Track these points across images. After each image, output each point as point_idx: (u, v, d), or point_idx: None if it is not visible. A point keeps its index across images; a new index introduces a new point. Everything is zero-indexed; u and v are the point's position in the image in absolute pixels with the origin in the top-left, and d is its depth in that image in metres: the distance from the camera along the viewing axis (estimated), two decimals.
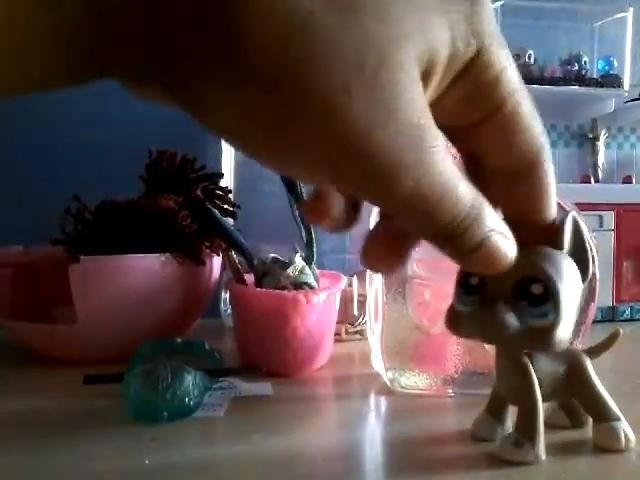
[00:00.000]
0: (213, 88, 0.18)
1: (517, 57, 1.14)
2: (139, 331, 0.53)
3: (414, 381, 0.45)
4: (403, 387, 0.46)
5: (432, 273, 0.44)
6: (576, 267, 0.29)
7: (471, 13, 0.20)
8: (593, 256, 0.43)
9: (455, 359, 0.44)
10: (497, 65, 0.21)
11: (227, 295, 0.68)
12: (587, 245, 0.29)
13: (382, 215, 0.25)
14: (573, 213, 0.28)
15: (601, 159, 1.23)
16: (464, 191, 0.21)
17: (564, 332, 0.28)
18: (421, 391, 0.45)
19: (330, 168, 0.20)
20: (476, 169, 0.26)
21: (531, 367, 0.34)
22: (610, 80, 1.15)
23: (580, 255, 0.29)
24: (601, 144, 1.22)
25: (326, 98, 0.18)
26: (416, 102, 0.19)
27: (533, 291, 0.27)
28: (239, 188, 0.76)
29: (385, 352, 0.46)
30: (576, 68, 1.16)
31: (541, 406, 0.34)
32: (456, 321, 0.30)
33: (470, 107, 0.22)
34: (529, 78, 1.13)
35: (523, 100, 0.23)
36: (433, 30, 0.19)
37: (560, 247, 0.28)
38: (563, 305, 0.27)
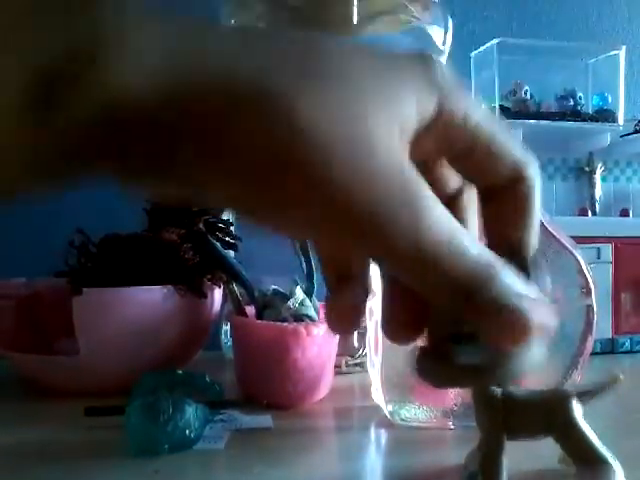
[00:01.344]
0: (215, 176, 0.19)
1: (514, 92, 1.17)
2: (140, 363, 0.53)
3: (414, 413, 0.45)
4: (403, 419, 0.46)
5: None
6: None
7: (425, 71, 0.22)
8: (589, 286, 0.44)
9: (455, 391, 0.45)
10: (460, 105, 0.23)
11: (228, 327, 0.68)
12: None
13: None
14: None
15: (598, 192, 1.24)
16: (472, 251, 0.21)
17: (518, 364, 0.26)
18: (421, 423, 0.45)
19: (327, 228, 0.20)
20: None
21: (497, 399, 0.32)
22: (605, 115, 1.17)
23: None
24: (598, 177, 1.24)
25: (307, 159, 0.19)
26: (397, 153, 0.20)
27: (465, 329, 0.25)
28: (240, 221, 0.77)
29: (385, 384, 0.46)
30: (571, 103, 1.18)
31: (502, 440, 0.31)
32: None
33: (446, 147, 0.24)
34: (526, 113, 1.15)
35: (495, 130, 0.24)
36: (402, 100, 0.21)
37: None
38: None
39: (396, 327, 0.26)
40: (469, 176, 0.26)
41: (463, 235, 0.21)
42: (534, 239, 0.27)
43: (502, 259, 0.24)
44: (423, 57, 0.23)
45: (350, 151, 0.19)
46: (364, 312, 0.26)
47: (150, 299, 0.56)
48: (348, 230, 0.20)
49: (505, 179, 0.25)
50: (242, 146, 0.19)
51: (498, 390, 0.32)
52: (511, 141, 0.25)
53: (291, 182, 0.19)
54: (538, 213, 0.26)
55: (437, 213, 0.21)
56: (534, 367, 0.26)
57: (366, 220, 0.20)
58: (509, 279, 0.22)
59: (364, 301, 0.26)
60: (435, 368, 0.27)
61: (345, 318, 0.26)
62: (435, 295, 0.22)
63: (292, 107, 0.19)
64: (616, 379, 0.34)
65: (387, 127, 0.20)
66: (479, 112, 0.24)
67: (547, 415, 0.33)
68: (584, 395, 0.34)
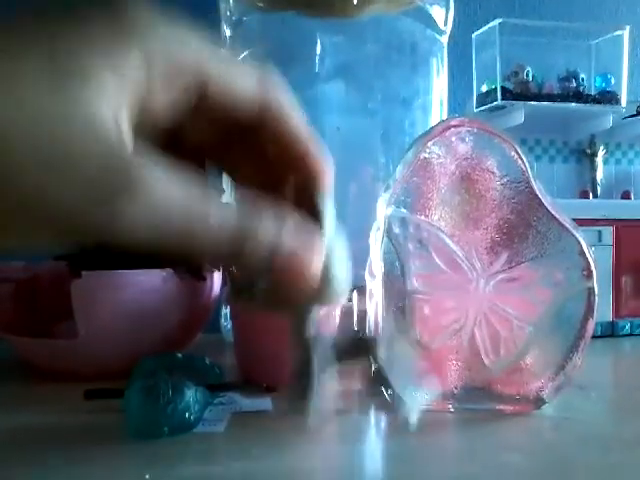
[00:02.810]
0: None
1: (515, 74, 1.16)
2: (140, 346, 0.53)
3: (415, 395, 0.45)
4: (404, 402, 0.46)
5: (432, 288, 0.44)
6: None
7: (115, 24, 0.19)
8: (590, 269, 0.43)
9: (454, 374, 0.45)
10: (182, 55, 0.21)
11: (227, 310, 0.68)
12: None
13: None
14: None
15: (599, 175, 1.24)
16: (218, 210, 0.20)
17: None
18: (422, 406, 0.45)
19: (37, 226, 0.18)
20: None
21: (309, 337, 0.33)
22: (607, 97, 1.16)
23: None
24: (599, 160, 1.23)
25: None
26: (100, 129, 0.18)
27: None
28: None
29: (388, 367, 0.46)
30: (574, 85, 1.17)
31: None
32: None
33: (177, 99, 0.21)
34: (527, 94, 1.14)
35: (223, 61, 0.22)
36: (93, 66, 0.18)
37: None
38: None
39: None
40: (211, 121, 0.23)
41: (205, 204, 0.20)
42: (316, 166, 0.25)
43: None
44: (115, 8, 0.19)
45: (34, 144, 0.16)
46: None
47: (149, 282, 0.55)
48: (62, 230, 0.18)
49: (250, 113, 0.23)
50: None
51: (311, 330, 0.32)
52: (243, 66, 0.23)
53: None
54: (305, 137, 0.24)
55: (163, 191, 0.19)
56: (342, 289, 0.27)
57: (78, 217, 0.18)
58: (270, 229, 0.21)
59: None
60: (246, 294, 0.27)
61: None
62: (209, 261, 0.22)
63: None
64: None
65: (79, 104, 0.17)
66: (206, 51, 0.21)
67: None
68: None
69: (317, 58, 0.65)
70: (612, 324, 0.74)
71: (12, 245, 0.19)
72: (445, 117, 0.71)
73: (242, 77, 0.22)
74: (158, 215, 0.19)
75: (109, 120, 0.18)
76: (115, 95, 0.18)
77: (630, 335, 0.74)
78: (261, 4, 0.66)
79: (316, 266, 0.22)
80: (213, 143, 0.25)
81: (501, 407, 0.44)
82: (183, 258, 0.22)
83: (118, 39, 0.19)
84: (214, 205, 0.20)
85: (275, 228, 0.21)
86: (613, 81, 1.18)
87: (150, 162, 0.19)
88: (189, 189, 0.19)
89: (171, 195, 0.19)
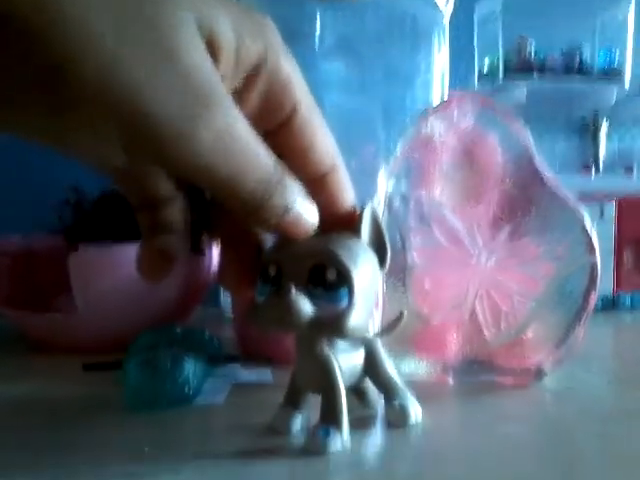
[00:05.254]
0: None
1: (518, 48, 1.14)
2: (139, 319, 0.53)
3: (414, 368, 0.45)
4: (402, 374, 0.45)
5: (433, 263, 0.44)
6: (373, 255, 0.30)
7: (255, 19, 0.22)
8: (592, 244, 0.43)
9: (455, 348, 0.44)
10: (286, 67, 0.23)
11: None
12: (384, 234, 0.31)
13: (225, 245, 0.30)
14: (372, 204, 0.30)
15: (602, 150, 1.23)
16: (265, 154, 0.22)
17: (358, 319, 0.29)
18: (421, 378, 0.45)
19: (113, 130, 0.19)
20: None
21: (333, 357, 0.33)
22: (611, 72, 1.15)
23: (378, 244, 0.31)
24: (602, 135, 1.22)
25: (97, 51, 0.17)
26: (198, 58, 0.19)
27: (328, 276, 0.28)
28: None
29: (385, 339, 0.45)
30: (577, 60, 1.15)
31: (345, 394, 0.33)
32: (253, 313, 0.30)
33: (271, 106, 0.24)
34: (530, 69, 1.12)
35: (313, 107, 0.25)
36: (215, 13, 0.20)
37: (358, 235, 0.29)
38: (357, 291, 0.28)
39: (231, 275, 0.29)
40: (282, 157, 0.25)
41: (258, 141, 0.22)
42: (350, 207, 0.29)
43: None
44: (262, 14, 0.23)
45: (142, 52, 0.18)
46: (174, 259, 0.28)
47: None
48: (142, 137, 0.19)
49: (319, 165, 0.26)
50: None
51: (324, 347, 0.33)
52: (325, 125, 0.26)
53: (68, 81, 0.18)
54: (350, 189, 0.29)
55: (238, 128, 0.21)
56: (361, 327, 0.30)
57: (163, 123, 0.19)
58: (292, 185, 0.24)
59: (175, 247, 0.28)
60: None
61: (154, 264, 0.28)
62: (231, 206, 0.23)
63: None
64: (402, 315, 0.38)
65: (190, 25, 0.19)
66: (303, 82, 0.24)
67: (364, 362, 0.36)
68: (382, 332, 0.38)
69: (317, 36, 0.64)
70: (613, 298, 0.74)
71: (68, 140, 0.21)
72: (446, 93, 0.70)
73: (324, 134, 0.26)
74: (226, 140, 0.20)
75: (202, 53, 0.20)
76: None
77: (631, 309, 0.74)
78: None
79: (312, 224, 0.26)
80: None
81: (501, 379, 0.44)
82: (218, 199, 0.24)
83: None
84: (265, 148, 0.22)
85: (296, 192, 0.25)
86: (617, 55, 1.17)
87: (227, 92, 0.21)
88: (250, 127, 0.22)
89: (239, 125, 0.21)
